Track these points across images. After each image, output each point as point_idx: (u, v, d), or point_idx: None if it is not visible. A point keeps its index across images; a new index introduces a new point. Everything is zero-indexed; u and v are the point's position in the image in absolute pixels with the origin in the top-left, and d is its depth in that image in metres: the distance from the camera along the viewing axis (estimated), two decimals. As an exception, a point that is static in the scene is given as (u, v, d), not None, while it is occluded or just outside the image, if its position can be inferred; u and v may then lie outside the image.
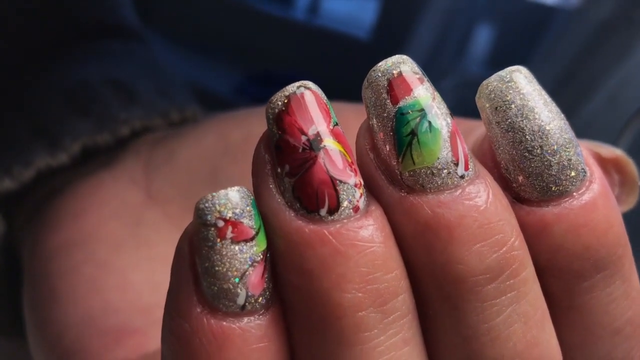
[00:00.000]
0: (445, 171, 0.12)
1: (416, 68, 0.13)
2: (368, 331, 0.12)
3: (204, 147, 0.23)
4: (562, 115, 0.13)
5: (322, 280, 0.12)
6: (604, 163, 0.17)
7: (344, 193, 0.12)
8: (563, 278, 0.13)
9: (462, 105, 0.14)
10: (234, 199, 0.12)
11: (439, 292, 0.12)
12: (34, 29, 0.31)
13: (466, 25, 0.46)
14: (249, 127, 0.23)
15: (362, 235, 0.12)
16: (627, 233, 0.14)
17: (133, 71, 0.29)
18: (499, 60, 0.44)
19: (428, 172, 0.12)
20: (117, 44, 0.31)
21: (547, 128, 0.13)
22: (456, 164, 0.12)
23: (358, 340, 0.12)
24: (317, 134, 0.12)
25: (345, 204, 0.12)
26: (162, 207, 0.23)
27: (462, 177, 0.12)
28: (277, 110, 0.12)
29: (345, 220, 0.12)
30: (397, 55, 0.13)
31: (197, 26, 0.60)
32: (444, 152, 0.12)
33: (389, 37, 0.48)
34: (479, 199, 0.12)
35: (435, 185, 0.12)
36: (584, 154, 0.14)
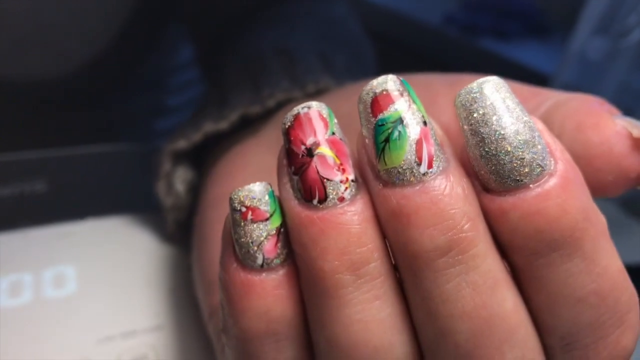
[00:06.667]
0: (408, 170, 0.16)
1: (398, 85, 0.16)
2: (344, 288, 0.16)
3: None
4: (525, 118, 0.16)
5: (311, 251, 0.16)
6: (637, 141, 0.19)
7: (331, 188, 0.16)
8: (522, 254, 0.16)
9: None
10: (254, 191, 0.17)
11: (403, 263, 0.16)
12: None
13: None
14: (353, 103, 0.27)
15: (340, 219, 0.16)
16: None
17: (300, 39, 0.33)
18: None
19: (396, 171, 0.16)
20: (294, 6, 0.36)
21: (502, 132, 0.15)
22: (419, 164, 0.15)
23: (337, 294, 0.16)
24: (314, 144, 0.16)
25: (331, 196, 0.16)
26: None
27: (424, 174, 0.16)
28: (286, 126, 0.17)
29: (331, 208, 0.16)
30: (382, 76, 0.16)
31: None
32: (409, 155, 0.16)
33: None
34: (435, 192, 0.15)
35: (401, 181, 0.16)
36: (557, 149, 0.16)
